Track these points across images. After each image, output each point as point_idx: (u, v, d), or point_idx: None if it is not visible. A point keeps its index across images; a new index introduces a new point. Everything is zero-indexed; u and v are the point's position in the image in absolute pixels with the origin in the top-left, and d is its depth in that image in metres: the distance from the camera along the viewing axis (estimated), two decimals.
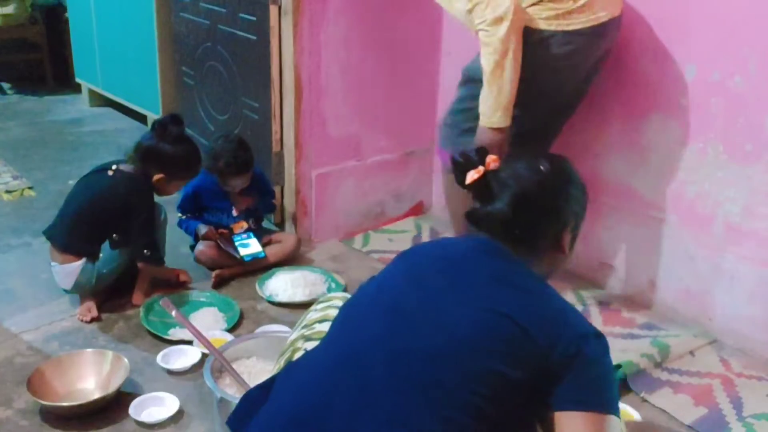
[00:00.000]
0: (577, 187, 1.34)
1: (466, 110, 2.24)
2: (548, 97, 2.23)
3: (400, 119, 3.00)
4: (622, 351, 2.18)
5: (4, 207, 3.28)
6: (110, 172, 2.37)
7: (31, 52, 5.48)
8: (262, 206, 2.90)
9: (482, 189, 1.30)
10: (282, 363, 1.49)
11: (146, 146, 2.37)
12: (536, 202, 1.28)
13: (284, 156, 2.96)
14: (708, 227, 2.35)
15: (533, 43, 2.06)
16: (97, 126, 4.70)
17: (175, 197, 2.69)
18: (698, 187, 2.36)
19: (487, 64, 2.03)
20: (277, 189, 3.02)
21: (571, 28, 2.07)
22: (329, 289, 2.60)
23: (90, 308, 2.36)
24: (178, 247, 2.83)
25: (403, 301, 1.24)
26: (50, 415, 1.88)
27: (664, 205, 2.46)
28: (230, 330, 2.32)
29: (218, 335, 2.21)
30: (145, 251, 2.39)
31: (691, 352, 2.29)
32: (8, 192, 3.42)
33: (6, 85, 5.53)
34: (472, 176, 1.30)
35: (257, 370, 1.94)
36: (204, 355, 2.08)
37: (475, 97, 2.14)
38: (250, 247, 2.71)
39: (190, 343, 2.18)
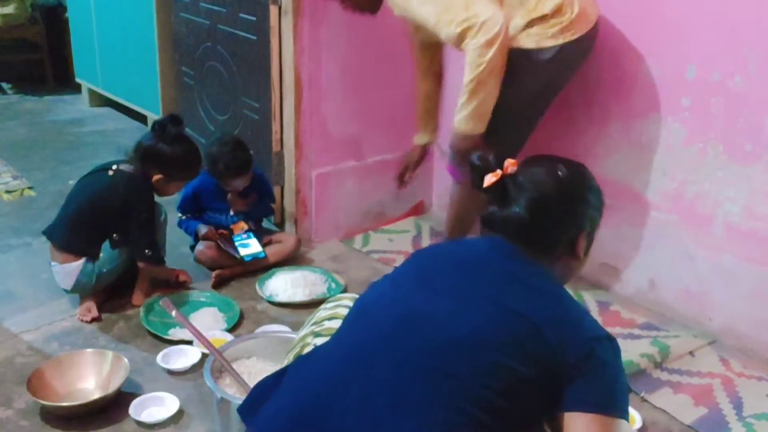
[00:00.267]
0: (594, 193, 1.35)
1: None
2: (546, 100, 2.37)
3: (400, 119, 3.00)
4: (622, 351, 2.17)
5: (4, 207, 3.28)
6: (110, 172, 2.37)
7: (31, 52, 5.49)
8: (260, 210, 2.90)
9: (499, 192, 1.30)
10: (291, 357, 1.49)
11: (146, 147, 2.37)
12: (553, 207, 1.29)
13: (284, 156, 2.96)
14: (708, 227, 2.35)
15: (546, 60, 2.19)
16: (97, 126, 4.70)
17: (176, 197, 2.69)
18: (698, 187, 2.36)
19: (470, 80, 2.13)
20: (277, 189, 3.02)
21: (575, 37, 2.20)
22: (329, 289, 2.60)
23: (90, 308, 2.36)
24: (178, 247, 2.83)
25: (417, 296, 1.25)
26: (50, 415, 1.88)
27: (664, 205, 2.46)
28: (230, 330, 2.32)
29: (218, 335, 2.21)
30: (146, 251, 2.39)
31: (691, 352, 2.29)
32: (8, 192, 3.43)
33: (6, 85, 5.54)
34: (489, 180, 1.31)
35: (257, 370, 1.94)
36: (204, 355, 2.08)
37: None
38: (250, 247, 2.71)
39: (190, 343, 2.18)
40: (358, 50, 2.87)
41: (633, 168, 2.53)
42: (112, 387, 1.92)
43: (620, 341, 1.23)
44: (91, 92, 5.07)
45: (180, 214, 2.80)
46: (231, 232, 2.75)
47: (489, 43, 2.06)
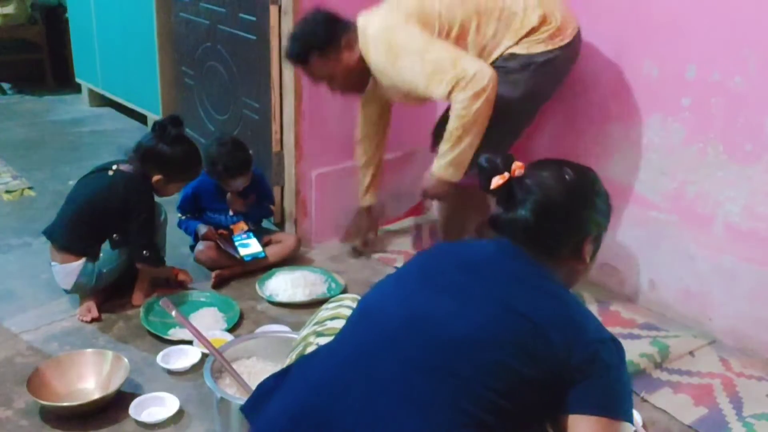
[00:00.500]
0: (602, 198, 1.34)
1: None
2: (534, 106, 2.44)
3: (400, 119, 2.99)
4: None
5: (4, 207, 3.29)
6: (110, 172, 2.37)
7: (31, 52, 5.48)
8: (259, 211, 2.90)
9: (506, 195, 1.30)
10: (294, 357, 1.50)
11: (146, 147, 2.37)
12: (559, 211, 1.28)
13: (284, 156, 2.96)
14: (708, 227, 2.35)
15: (538, 65, 2.26)
16: (97, 126, 4.70)
17: (176, 197, 2.69)
18: (698, 187, 2.36)
19: (455, 127, 2.20)
20: (277, 189, 3.02)
21: (564, 43, 2.29)
22: (329, 289, 2.60)
23: (90, 308, 2.36)
24: (178, 247, 2.83)
25: (420, 296, 1.25)
26: (50, 415, 1.88)
27: (664, 205, 2.46)
28: (230, 330, 2.32)
29: (218, 335, 2.21)
30: (144, 252, 2.39)
31: (691, 353, 2.29)
32: (8, 192, 3.43)
33: (6, 85, 5.54)
34: (496, 182, 1.30)
35: (257, 370, 1.94)
36: (204, 355, 2.08)
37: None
38: (250, 247, 2.71)
39: (190, 343, 2.18)
40: None
41: (633, 168, 2.53)
42: (112, 387, 1.92)
43: (620, 341, 1.23)
44: (91, 92, 5.07)
45: (180, 215, 2.80)
46: (231, 232, 2.75)
47: (476, 96, 2.14)
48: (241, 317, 2.41)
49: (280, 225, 3.10)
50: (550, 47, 2.26)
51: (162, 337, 2.25)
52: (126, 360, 2.00)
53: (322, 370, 1.26)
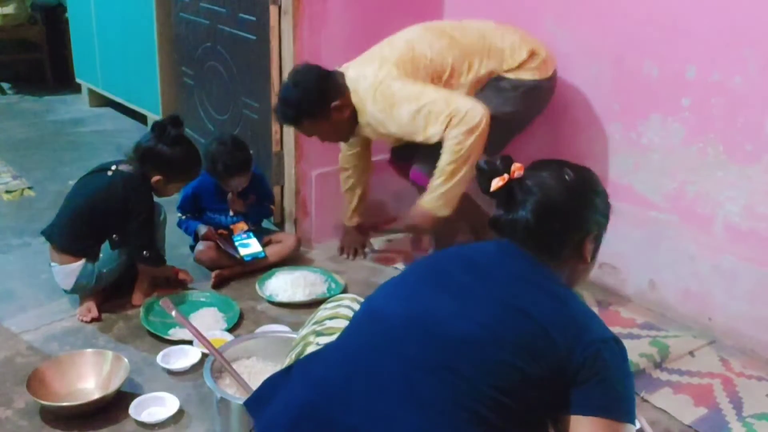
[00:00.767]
0: (601, 197, 1.35)
1: None
2: (511, 131, 2.51)
3: None
4: None
5: (4, 207, 3.28)
6: (109, 173, 2.36)
7: (31, 52, 5.48)
8: (259, 211, 2.90)
9: (506, 196, 1.31)
10: (293, 357, 1.50)
11: (145, 148, 2.37)
12: (560, 211, 1.29)
13: (284, 156, 2.96)
14: (708, 227, 2.35)
15: (525, 90, 2.41)
16: (97, 126, 4.70)
17: (176, 197, 2.69)
18: (698, 187, 2.36)
19: (447, 162, 2.26)
20: (277, 189, 3.02)
21: (549, 74, 2.47)
22: (329, 289, 2.60)
23: (90, 308, 2.36)
24: (178, 247, 2.83)
25: (425, 296, 1.26)
26: (50, 415, 1.88)
27: (664, 205, 2.46)
28: (230, 330, 2.32)
29: (218, 335, 2.21)
30: (144, 252, 2.39)
31: (691, 353, 2.29)
32: (8, 192, 3.43)
33: (6, 85, 5.54)
34: (496, 183, 1.31)
35: (257, 370, 1.94)
36: (204, 355, 2.08)
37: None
38: (250, 247, 2.71)
39: (190, 343, 2.18)
40: (357, 50, 2.86)
41: (633, 168, 2.53)
42: (112, 387, 1.92)
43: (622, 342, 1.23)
44: (91, 92, 5.07)
45: (180, 214, 2.80)
46: (231, 232, 2.75)
47: (470, 132, 2.21)
48: (241, 317, 2.41)
49: (280, 225, 3.10)
50: (537, 76, 2.42)
51: (162, 337, 2.24)
52: (126, 360, 2.00)
53: (325, 368, 1.26)
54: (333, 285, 2.63)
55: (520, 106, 2.42)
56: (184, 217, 2.79)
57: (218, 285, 2.61)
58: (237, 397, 1.74)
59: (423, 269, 1.35)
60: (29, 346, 2.20)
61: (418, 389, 1.14)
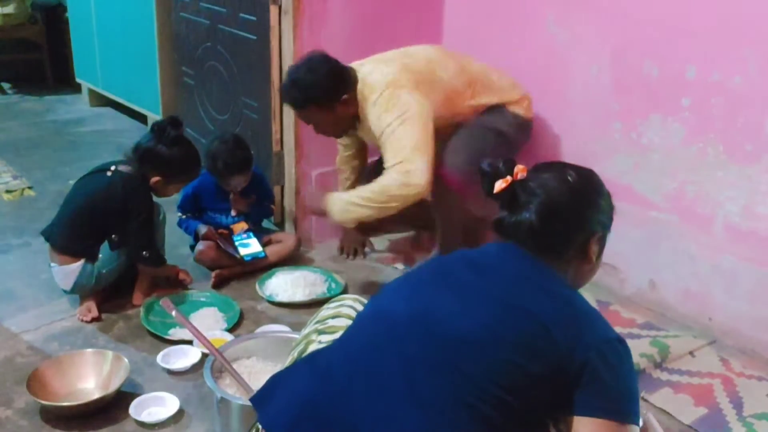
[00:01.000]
0: (604, 198, 1.35)
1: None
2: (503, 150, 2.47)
3: None
4: None
5: (4, 207, 3.28)
6: (108, 173, 2.36)
7: (31, 52, 5.48)
8: (260, 211, 2.90)
9: (509, 198, 1.31)
10: (295, 355, 1.50)
11: (144, 148, 2.37)
12: (564, 212, 1.29)
13: (284, 156, 2.96)
14: (708, 227, 2.35)
15: (520, 122, 2.54)
16: (97, 126, 4.70)
17: (176, 197, 2.69)
18: (698, 187, 2.36)
19: (370, 191, 2.26)
20: (277, 189, 3.02)
21: (531, 116, 2.61)
22: (329, 289, 2.60)
23: (90, 308, 2.36)
24: (178, 247, 2.83)
25: (429, 295, 1.27)
26: (50, 415, 1.88)
27: (664, 205, 2.46)
28: (230, 330, 2.32)
29: (218, 335, 2.21)
30: (144, 253, 2.39)
31: (691, 353, 2.29)
32: (8, 192, 3.43)
33: (6, 85, 5.54)
34: (499, 186, 1.31)
35: (257, 370, 1.94)
36: (204, 355, 2.08)
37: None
38: (250, 247, 2.71)
39: (190, 343, 2.18)
40: (357, 50, 2.86)
41: (633, 168, 2.53)
42: (112, 387, 1.92)
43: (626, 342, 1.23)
44: (91, 92, 5.07)
45: (180, 214, 2.80)
46: (231, 231, 2.75)
47: (404, 185, 2.21)
48: (241, 317, 2.41)
49: (280, 225, 3.10)
50: (527, 116, 2.58)
51: (162, 337, 2.24)
52: (126, 360, 2.00)
53: (328, 366, 1.27)
54: (333, 285, 2.63)
55: (513, 135, 2.53)
56: (184, 217, 2.79)
57: (218, 285, 2.61)
58: (237, 397, 1.75)
59: (427, 270, 1.36)
60: (29, 346, 2.20)
61: (418, 387, 1.15)
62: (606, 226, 1.35)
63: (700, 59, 2.27)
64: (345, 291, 2.58)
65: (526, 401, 1.13)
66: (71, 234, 2.34)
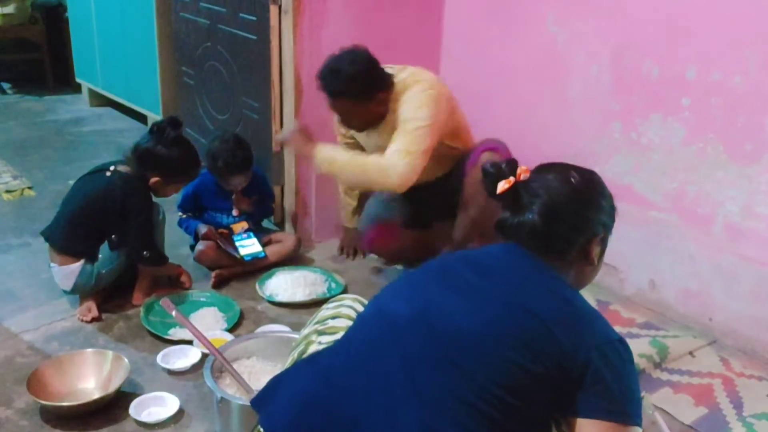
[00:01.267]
0: (606, 199, 1.35)
1: None
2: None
3: None
4: None
5: (4, 207, 3.28)
6: (107, 173, 2.36)
7: (31, 52, 5.48)
8: (261, 210, 2.90)
9: (512, 199, 1.31)
10: (295, 355, 1.51)
11: (143, 149, 2.36)
12: (566, 213, 1.29)
13: (284, 156, 2.96)
14: (708, 227, 2.35)
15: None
16: (97, 126, 4.70)
17: (175, 197, 2.69)
18: (698, 187, 2.36)
19: (361, 158, 2.36)
20: (277, 189, 3.02)
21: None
22: (329, 289, 2.60)
23: (90, 308, 2.36)
24: (178, 247, 2.83)
25: (431, 293, 1.27)
26: (50, 415, 1.88)
27: (664, 205, 2.46)
28: (230, 330, 2.32)
29: (218, 335, 2.21)
30: (144, 252, 2.39)
31: (691, 353, 2.29)
32: (8, 192, 3.43)
33: (6, 85, 5.54)
34: (502, 186, 1.32)
35: (257, 370, 1.94)
36: (204, 355, 2.08)
37: None
38: (250, 246, 2.71)
39: (190, 343, 2.18)
40: None
41: (633, 168, 2.53)
42: (112, 387, 1.92)
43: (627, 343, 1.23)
44: (91, 92, 5.07)
45: (180, 213, 2.80)
46: (231, 231, 2.75)
47: (382, 172, 2.27)
48: (241, 317, 2.41)
49: (280, 225, 3.10)
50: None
51: (162, 337, 2.24)
52: (126, 360, 2.00)
53: (330, 363, 1.28)
54: (333, 285, 2.63)
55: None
56: (184, 216, 2.79)
57: (218, 285, 2.61)
58: (237, 397, 1.75)
59: (429, 270, 1.36)
60: (29, 346, 2.20)
61: (419, 385, 1.15)
62: (608, 227, 1.36)
63: (700, 59, 2.27)
64: (345, 291, 2.58)
65: (527, 402, 1.13)
66: (71, 234, 2.34)
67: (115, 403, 1.92)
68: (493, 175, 1.34)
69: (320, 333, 1.51)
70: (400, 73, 2.43)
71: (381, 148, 2.38)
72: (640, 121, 2.47)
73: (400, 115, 2.34)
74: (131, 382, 2.01)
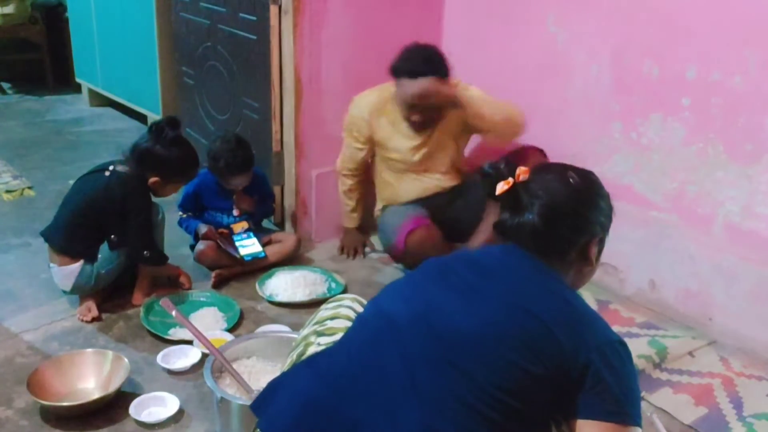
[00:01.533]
0: (605, 200, 1.36)
1: None
2: None
3: None
4: None
5: (4, 207, 3.28)
6: (107, 173, 2.35)
7: (31, 52, 5.48)
8: (261, 210, 2.90)
9: (512, 200, 1.32)
10: (294, 357, 1.50)
11: (142, 149, 2.36)
12: (566, 213, 1.30)
13: (284, 156, 2.96)
14: (708, 227, 2.35)
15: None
16: (97, 126, 4.70)
17: (175, 197, 2.69)
18: (698, 187, 2.36)
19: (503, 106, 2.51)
20: (277, 189, 3.02)
21: None
22: (329, 289, 2.60)
23: (90, 308, 2.36)
24: (178, 247, 2.83)
25: (431, 294, 1.27)
26: (50, 415, 1.88)
27: (664, 205, 2.46)
28: (230, 330, 2.32)
29: (218, 335, 2.21)
30: (144, 252, 2.39)
31: (691, 353, 2.29)
32: (8, 192, 3.43)
33: (6, 85, 5.54)
34: (501, 187, 1.32)
35: (257, 370, 1.94)
36: (204, 355, 2.08)
37: None
38: (250, 246, 2.71)
39: (190, 343, 2.18)
40: (358, 50, 2.87)
41: (633, 168, 2.53)
42: (112, 387, 1.92)
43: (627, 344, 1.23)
44: (91, 92, 5.07)
45: (181, 213, 2.80)
46: (231, 231, 2.74)
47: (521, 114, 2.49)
48: (241, 317, 2.41)
49: (280, 225, 3.10)
50: None
51: (162, 337, 2.24)
52: (126, 360, 2.00)
53: (330, 364, 1.28)
54: (333, 285, 2.63)
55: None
56: (184, 216, 2.79)
57: (218, 285, 2.61)
58: (237, 397, 1.75)
59: (428, 270, 1.36)
60: (29, 346, 2.20)
61: (419, 384, 1.15)
62: (606, 228, 1.36)
63: (700, 59, 2.27)
64: (345, 291, 2.58)
65: (527, 402, 1.13)
66: (70, 235, 2.34)
67: (115, 403, 1.92)
68: (492, 176, 1.34)
69: (319, 334, 1.51)
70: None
71: (437, 148, 2.55)
72: (640, 121, 2.47)
73: (474, 96, 2.48)
74: (131, 382, 2.01)
